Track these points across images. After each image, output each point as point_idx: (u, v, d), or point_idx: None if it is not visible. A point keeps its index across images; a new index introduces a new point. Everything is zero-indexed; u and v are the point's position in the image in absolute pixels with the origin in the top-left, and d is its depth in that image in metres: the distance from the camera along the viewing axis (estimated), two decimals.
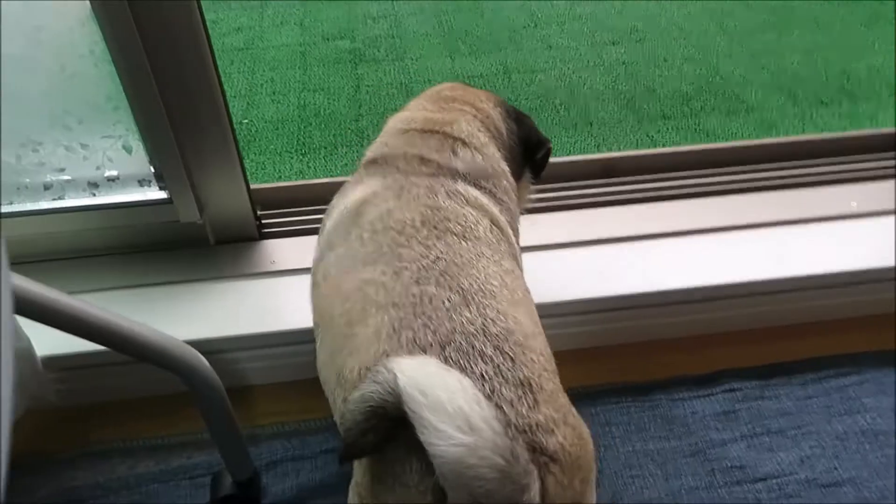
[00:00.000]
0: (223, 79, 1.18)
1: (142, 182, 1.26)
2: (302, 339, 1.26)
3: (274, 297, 1.29)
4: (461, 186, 0.88)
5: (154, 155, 1.21)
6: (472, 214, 0.84)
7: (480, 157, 0.94)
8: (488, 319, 0.70)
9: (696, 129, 2.08)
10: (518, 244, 0.96)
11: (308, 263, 1.32)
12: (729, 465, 1.19)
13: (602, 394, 1.28)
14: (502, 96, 1.12)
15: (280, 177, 1.94)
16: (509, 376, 0.66)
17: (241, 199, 1.33)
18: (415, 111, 1.01)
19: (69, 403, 1.27)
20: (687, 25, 2.62)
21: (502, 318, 0.71)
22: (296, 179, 1.90)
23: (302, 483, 1.17)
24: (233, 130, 1.23)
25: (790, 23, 2.64)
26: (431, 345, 0.67)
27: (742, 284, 1.31)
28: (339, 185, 1.52)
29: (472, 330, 0.68)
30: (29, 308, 0.77)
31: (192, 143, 1.21)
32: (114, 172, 1.25)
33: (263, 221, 1.41)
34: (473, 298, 0.71)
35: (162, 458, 1.22)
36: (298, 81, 2.32)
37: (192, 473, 1.19)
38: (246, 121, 2.12)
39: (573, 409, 0.70)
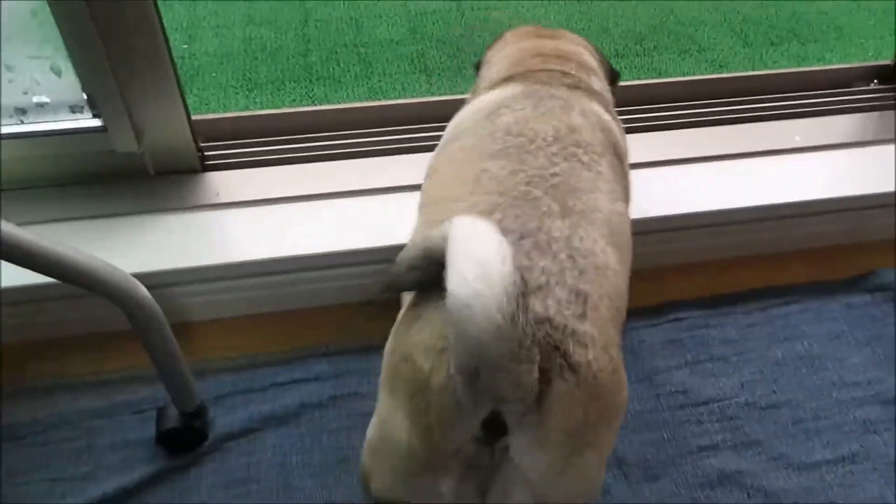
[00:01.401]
0: (162, 10, 1.12)
1: (74, 108, 1.20)
2: (248, 273, 1.23)
3: (219, 230, 1.26)
4: (596, 107, 0.92)
5: (85, 78, 1.15)
6: (599, 145, 0.86)
7: (607, 91, 1.03)
8: (576, 236, 0.72)
9: (648, 69, 2.08)
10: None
11: (254, 196, 1.31)
12: (673, 389, 1.22)
13: None
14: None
15: (225, 112, 1.87)
16: (569, 281, 0.68)
17: (182, 129, 1.28)
18: (535, 41, 1.06)
19: (8, 339, 1.23)
20: None
21: (591, 241, 0.73)
22: (245, 111, 1.83)
23: (251, 415, 1.16)
24: (171, 55, 1.18)
25: None
26: (513, 231, 0.70)
27: (689, 216, 1.33)
28: (286, 115, 1.49)
29: (557, 235, 0.71)
30: None
31: (127, 67, 1.15)
32: (43, 98, 1.18)
33: (206, 153, 1.36)
34: (572, 215, 0.74)
35: (105, 393, 1.19)
36: (244, 15, 2.23)
37: (138, 407, 1.17)
38: (185, 46, 2.02)
39: (620, 353, 0.71)
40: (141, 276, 1.18)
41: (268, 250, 1.22)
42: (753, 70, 2.09)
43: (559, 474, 0.65)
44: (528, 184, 0.76)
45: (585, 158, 0.82)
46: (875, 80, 1.60)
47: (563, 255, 0.69)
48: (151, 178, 1.32)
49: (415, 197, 1.32)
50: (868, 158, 1.43)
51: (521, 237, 0.70)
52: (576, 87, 0.94)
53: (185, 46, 2.02)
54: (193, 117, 1.35)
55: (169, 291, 1.22)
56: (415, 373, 0.66)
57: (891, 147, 1.45)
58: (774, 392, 1.22)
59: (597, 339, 0.66)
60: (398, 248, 1.22)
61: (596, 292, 0.69)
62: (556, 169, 0.79)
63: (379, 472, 0.73)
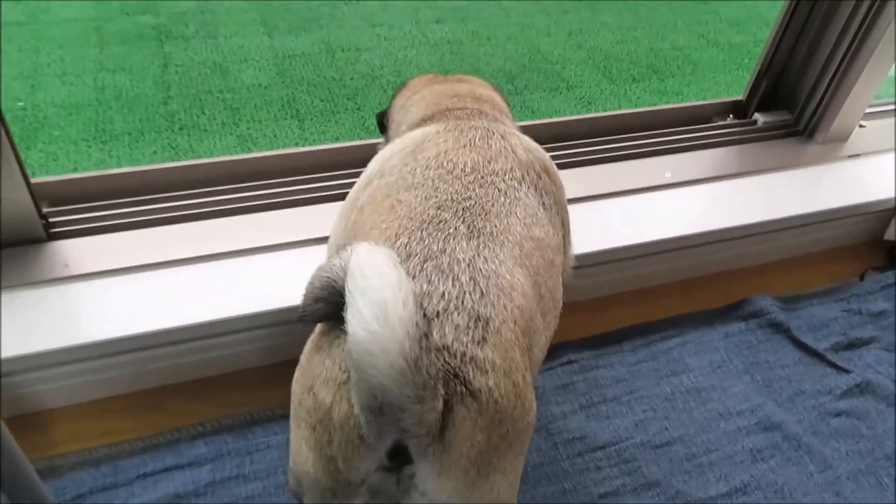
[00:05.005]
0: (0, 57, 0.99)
1: None
2: (105, 353, 1.11)
3: (69, 306, 1.12)
4: (517, 134, 0.94)
5: None
6: (519, 170, 0.86)
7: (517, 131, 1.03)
8: (481, 257, 0.72)
9: (521, 107, 2.11)
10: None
11: (108, 265, 1.18)
12: (570, 437, 1.20)
13: None
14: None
15: (76, 168, 1.72)
16: (469, 306, 0.67)
17: (20, 194, 1.14)
18: (447, 85, 1.08)
19: None
20: (507, 3, 2.66)
21: (497, 262, 0.72)
22: (95, 170, 1.68)
23: None
24: None
25: (601, 1, 2.76)
26: (417, 255, 0.71)
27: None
28: (143, 173, 1.36)
29: (460, 257, 0.71)
30: None
31: None
32: None
33: (52, 220, 1.22)
34: (479, 237, 0.74)
35: None
36: (94, 61, 2.07)
37: None
38: (21, 103, 1.84)
39: (528, 377, 0.71)
40: None
41: (126, 326, 1.09)
42: (619, 106, 2.17)
43: (466, 499, 0.66)
44: (438, 208, 0.77)
45: (502, 185, 0.83)
46: (731, 115, 1.69)
47: (464, 278, 0.69)
48: None
49: (289, 255, 1.25)
50: (732, 190, 1.50)
51: (425, 260, 0.70)
52: (494, 120, 0.97)
53: (21, 103, 1.83)
54: (35, 180, 1.21)
55: (11, 381, 1.07)
56: (317, 405, 0.66)
57: (751, 179, 1.52)
58: (667, 429, 1.23)
59: (498, 364, 0.66)
60: (272, 314, 1.15)
61: (499, 315, 0.69)
62: (470, 194, 0.80)
63: (305, 495, 0.73)
